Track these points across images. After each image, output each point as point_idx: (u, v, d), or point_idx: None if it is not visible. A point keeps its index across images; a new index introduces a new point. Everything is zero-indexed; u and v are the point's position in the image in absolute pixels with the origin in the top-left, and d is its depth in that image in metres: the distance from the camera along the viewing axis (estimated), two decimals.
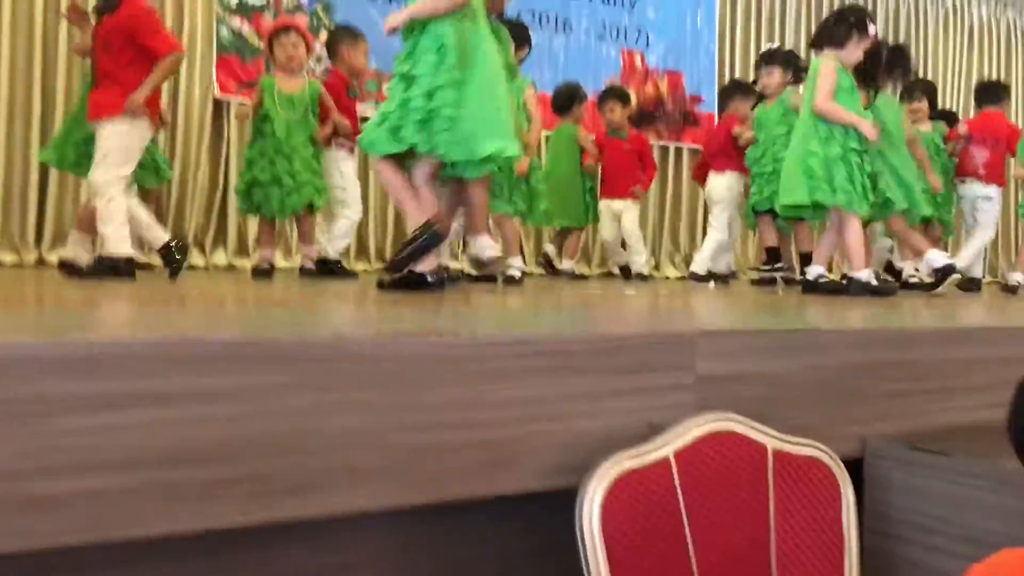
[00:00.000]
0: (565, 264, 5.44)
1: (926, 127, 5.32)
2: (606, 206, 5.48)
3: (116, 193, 3.24)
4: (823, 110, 3.43)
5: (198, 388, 1.03)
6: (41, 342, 0.99)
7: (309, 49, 4.21)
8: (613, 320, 1.73)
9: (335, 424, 1.12)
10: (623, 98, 5.53)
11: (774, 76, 4.91)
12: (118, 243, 3.24)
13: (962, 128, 5.40)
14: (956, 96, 8.32)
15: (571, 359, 1.30)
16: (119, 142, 3.26)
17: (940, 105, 6.67)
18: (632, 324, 1.59)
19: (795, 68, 4.91)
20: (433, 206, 2.61)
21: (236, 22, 5.54)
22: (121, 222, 3.25)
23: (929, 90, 5.59)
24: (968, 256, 5.05)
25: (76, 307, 1.85)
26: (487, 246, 2.88)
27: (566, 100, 5.31)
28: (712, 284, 4.98)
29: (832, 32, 3.60)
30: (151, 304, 2.03)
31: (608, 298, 2.91)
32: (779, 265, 4.98)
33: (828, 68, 3.50)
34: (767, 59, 5.06)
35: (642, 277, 5.55)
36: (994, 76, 8.75)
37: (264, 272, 4.07)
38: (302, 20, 5.30)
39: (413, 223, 2.57)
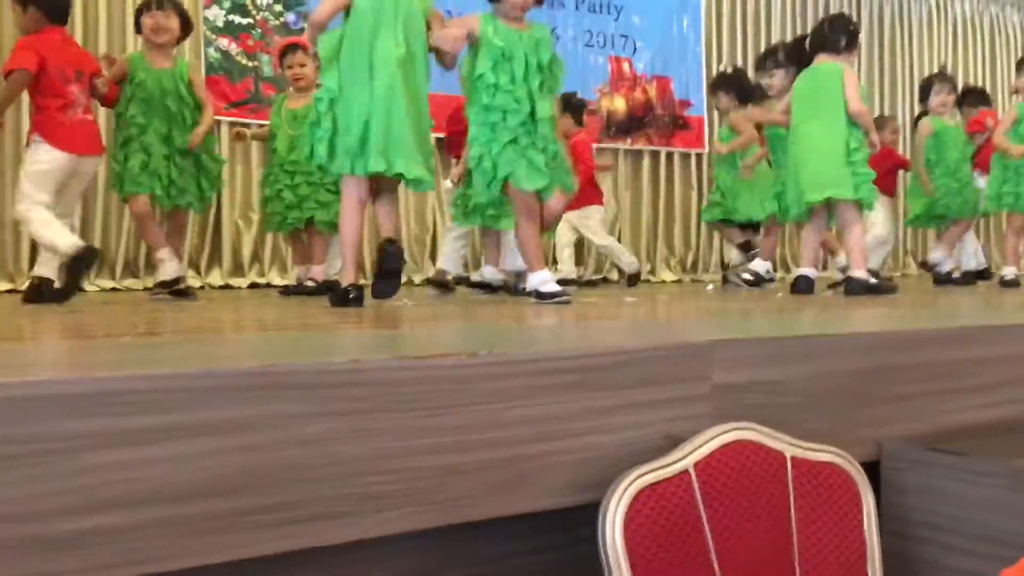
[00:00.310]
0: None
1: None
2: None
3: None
4: (860, 112, 3.61)
5: (219, 420, 1.03)
6: (60, 378, 0.98)
7: None
8: (625, 332, 1.72)
9: (354, 450, 1.11)
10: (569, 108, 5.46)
11: (720, 99, 5.04)
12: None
13: (989, 121, 5.39)
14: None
15: (586, 374, 1.29)
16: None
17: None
18: (645, 336, 1.59)
19: (739, 91, 4.97)
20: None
21: (224, 42, 5.54)
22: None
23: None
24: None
25: (85, 338, 1.84)
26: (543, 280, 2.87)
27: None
28: (710, 287, 5.00)
29: (834, 40, 3.72)
30: (162, 332, 2.02)
31: (612, 307, 2.91)
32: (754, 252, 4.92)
33: (853, 74, 3.72)
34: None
35: (635, 279, 5.58)
36: (980, 71, 8.82)
37: (298, 290, 4.14)
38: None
39: None
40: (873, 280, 3.60)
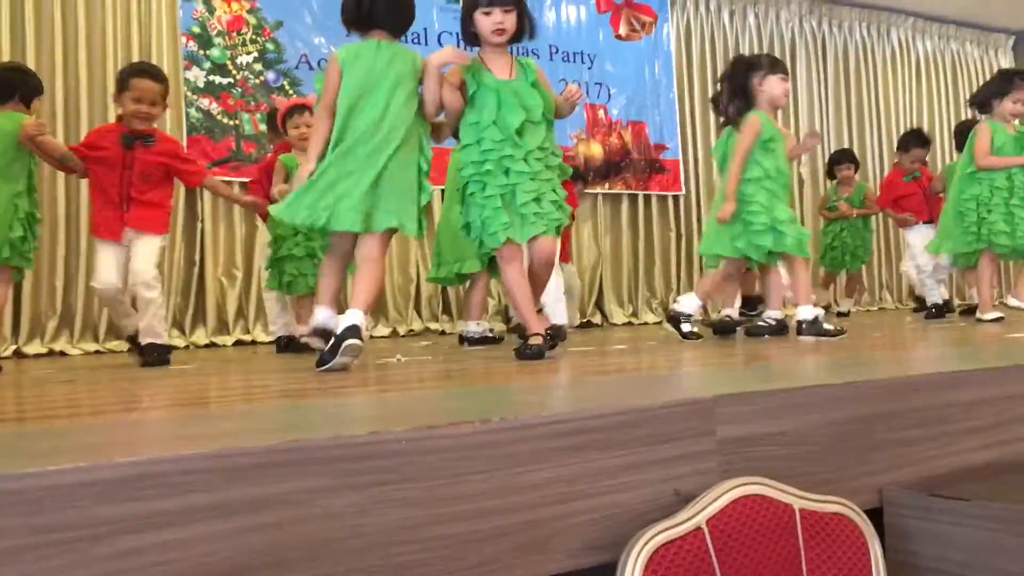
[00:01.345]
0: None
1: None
2: None
3: None
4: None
5: (243, 498, 1.04)
6: (85, 464, 0.99)
7: None
8: (628, 389, 1.75)
9: (376, 522, 1.13)
10: None
11: None
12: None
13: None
14: (910, 128, 8.56)
15: (596, 435, 1.32)
16: None
17: (893, 139, 7.00)
18: (648, 392, 1.62)
19: None
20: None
21: (204, 102, 5.59)
22: None
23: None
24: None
25: (94, 414, 1.84)
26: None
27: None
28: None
29: None
30: (172, 404, 2.03)
31: (606, 359, 2.94)
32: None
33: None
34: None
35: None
36: (943, 106, 9.06)
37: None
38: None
39: None
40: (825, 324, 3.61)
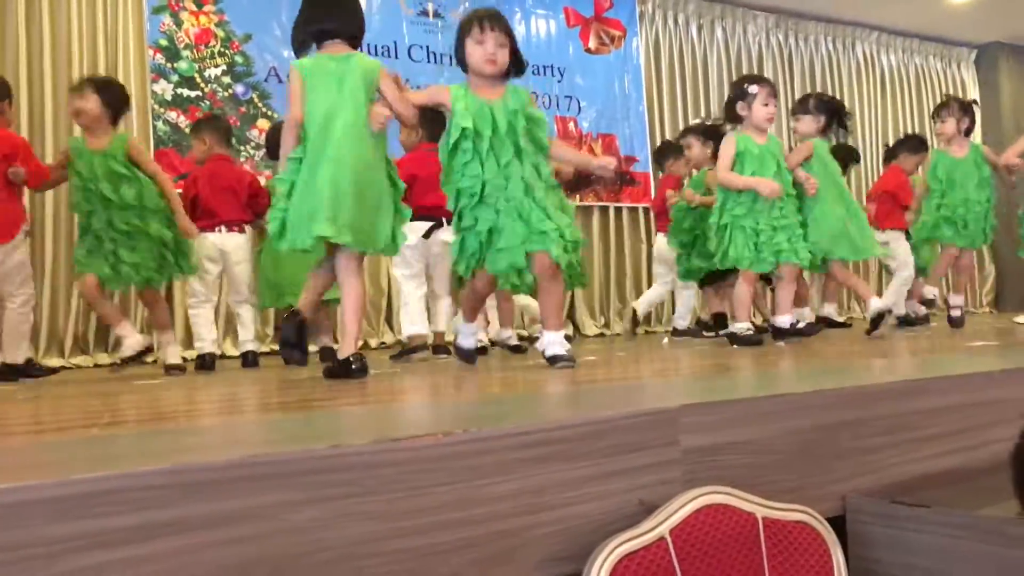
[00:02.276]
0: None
1: None
2: None
3: None
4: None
5: (202, 514, 1.03)
6: (36, 482, 0.98)
7: None
8: (594, 400, 1.76)
9: (340, 535, 1.12)
10: None
11: (693, 148, 5.12)
12: None
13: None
14: (875, 140, 8.70)
15: (560, 446, 1.32)
16: None
17: (858, 150, 7.09)
18: (614, 403, 1.62)
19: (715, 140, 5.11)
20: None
21: (172, 115, 5.55)
22: None
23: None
24: (892, 295, 5.30)
25: (55, 431, 1.81)
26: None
27: None
28: (665, 340, 5.07)
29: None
30: (136, 419, 2.00)
31: (576, 371, 2.95)
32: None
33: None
34: (684, 132, 5.39)
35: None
36: (908, 118, 9.21)
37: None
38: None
39: None
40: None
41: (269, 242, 3.58)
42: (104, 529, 0.98)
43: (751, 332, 3.75)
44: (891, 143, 6.37)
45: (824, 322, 5.65)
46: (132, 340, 3.71)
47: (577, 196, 7.13)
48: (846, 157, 6.14)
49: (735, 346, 3.69)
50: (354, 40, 2.87)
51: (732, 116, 3.94)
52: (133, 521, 0.99)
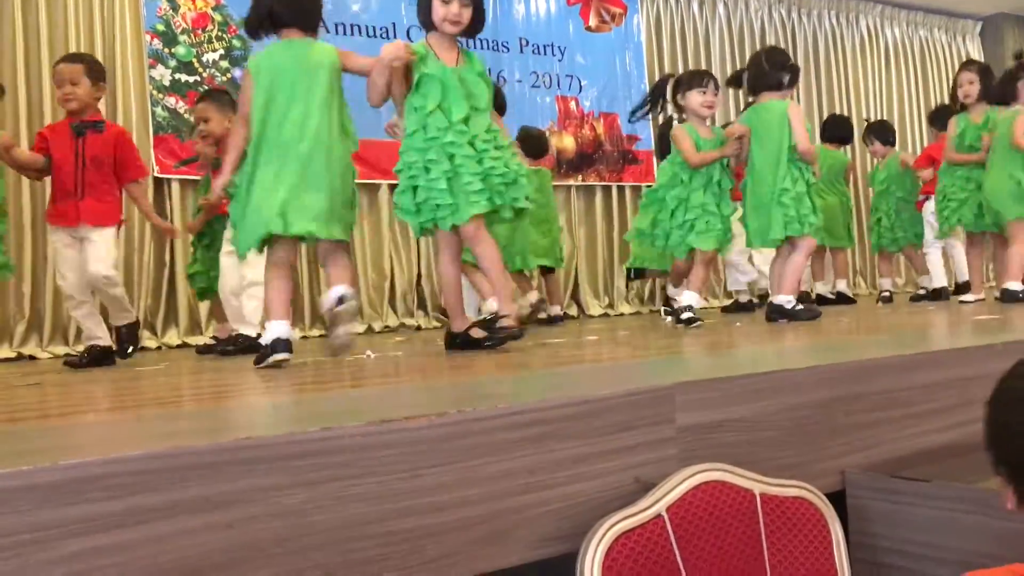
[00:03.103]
0: (554, 309, 5.54)
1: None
2: None
3: None
4: (808, 150, 3.74)
5: (194, 498, 1.03)
6: (29, 468, 0.98)
7: None
8: (589, 379, 1.75)
9: (333, 518, 1.12)
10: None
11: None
12: None
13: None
14: (880, 114, 8.62)
15: (555, 425, 1.32)
16: None
17: (858, 125, 7.06)
18: (609, 382, 1.61)
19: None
20: None
21: (171, 101, 5.53)
22: None
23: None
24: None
25: (47, 417, 1.82)
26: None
27: (540, 145, 5.49)
28: (668, 319, 5.06)
29: (777, 78, 3.82)
30: (133, 405, 2.00)
31: (575, 349, 2.94)
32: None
33: (799, 111, 3.86)
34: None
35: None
36: (912, 92, 9.13)
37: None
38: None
39: None
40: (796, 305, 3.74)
41: None
42: (96, 514, 0.98)
43: None
44: (899, 117, 6.35)
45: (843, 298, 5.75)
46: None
47: (579, 176, 7.11)
48: (839, 131, 6.13)
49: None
50: (311, 26, 2.85)
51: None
52: (124, 506, 0.99)
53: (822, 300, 5.63)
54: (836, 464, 1.56)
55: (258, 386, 2.12)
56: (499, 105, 3.95)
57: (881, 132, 6.21)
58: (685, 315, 3.70)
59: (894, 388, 1.65)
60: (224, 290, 4.39)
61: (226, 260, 4.46)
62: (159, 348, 5.41)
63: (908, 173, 5.83)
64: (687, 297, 3.79)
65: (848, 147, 6.72)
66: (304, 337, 5.74)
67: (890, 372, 1.67)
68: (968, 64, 4.86)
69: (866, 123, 6.60)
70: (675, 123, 4.31)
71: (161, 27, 5.56)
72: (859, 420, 1.60)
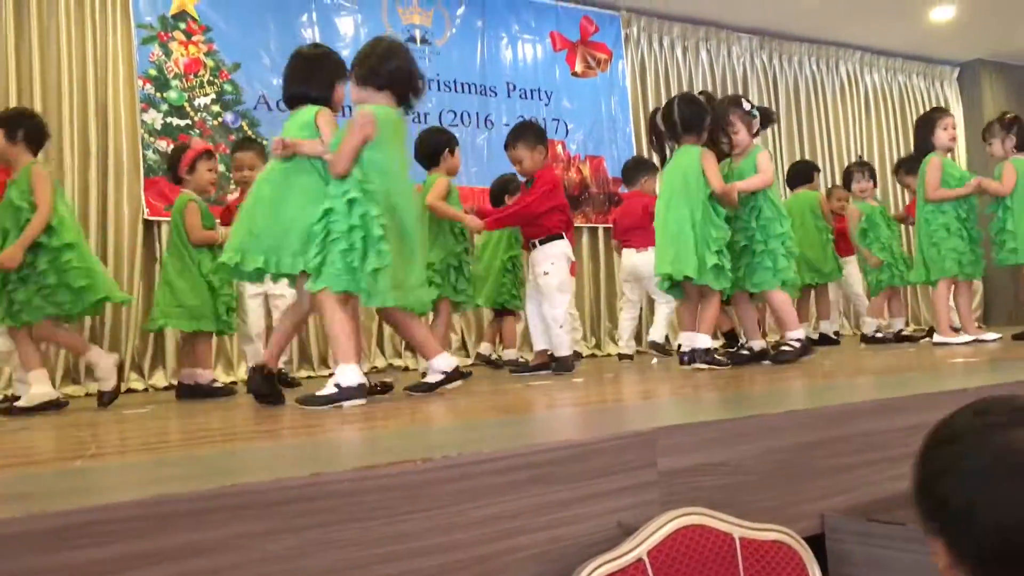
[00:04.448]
0: (508, 353, 5.44)
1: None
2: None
3: None
4: (725, 191, 3.72)
5: (179, 545, 1.04)
6: (12, 517, 0.99)
7: None
8: (572, 424, 1.78)
9: (318, 563, 1.13)
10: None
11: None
12: None
13: None
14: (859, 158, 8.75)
15: (538, 470, 1.34)
16: None
17: (839, 169, 7.16)
18: (592, 426, 1.64)
19: None
20: None
21: (162, 144, 5.57)
22: None
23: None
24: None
25: (33, 463, 1.82)
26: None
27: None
28: (654, 361, 5.09)
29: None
30: (121, 450, 2.01)
31: (558, 392, 2.96)
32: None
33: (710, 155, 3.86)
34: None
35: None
36: (892, 137, 9.29)
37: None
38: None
39: None
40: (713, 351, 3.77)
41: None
42: (81, 561, 0.99)
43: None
44: (879, 161, 6.46)
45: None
46: (25, 388, 3.68)
47: None
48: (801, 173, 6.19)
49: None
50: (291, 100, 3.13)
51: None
52: (110, 553, 1.01)
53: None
54: (815, 507, 1.58)
55: (244, 431, 2.13)
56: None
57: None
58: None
59: (872, 431, 1.68)
60: (251, 331, 4.42)
61: (252, 303, 4.50)
62: (146, 390, 5.39)
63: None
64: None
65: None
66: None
67: (868, 416, 1.70)
68: None
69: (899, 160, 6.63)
70: None
71: (153, 72, 5.63)
72: (838, 463, 1.63)
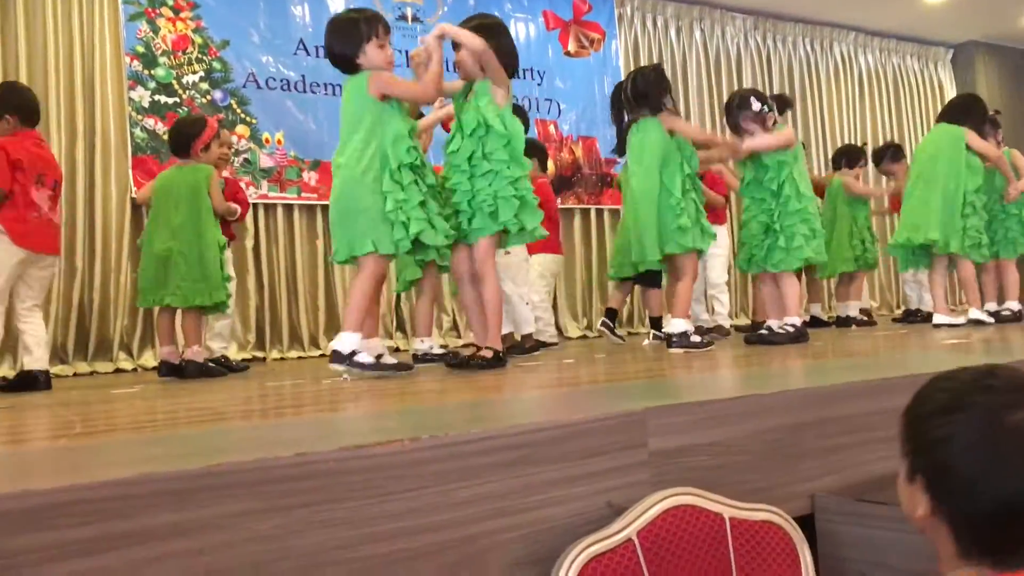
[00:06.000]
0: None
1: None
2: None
3: None
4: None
5: (165, 524, 1.03)
6: (1, 493, 0.98)
7: None
8: (563, 404, 1.77)
9: (305, 543, 1.13)
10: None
11: None
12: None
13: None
14: (853, 140, 8.74)
15: (527, 450, 1.33)
16: None
17: (831, 151, 7.13)
18: (582, 407, 1.63)
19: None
20: None
21: (150, 122, 5.52)
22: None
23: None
24: None
25: (18, 442, 1.81)
26: None
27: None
28: (646, 342, 5.09)
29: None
30: (104, 430, 2.00)
31: (549, 373, 2.96)
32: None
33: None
34: None
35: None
36: (886, 118, 9.27)
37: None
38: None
39: None
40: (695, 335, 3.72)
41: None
42: (66, 540, 0.98)
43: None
44: (872, 142, 6.46)
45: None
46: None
47: (558, 199, 7.15)
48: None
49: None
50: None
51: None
52: (95, 532, 0.99)
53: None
54: (805, 488, 1.58)
55: (233, 410, 2.11)
56: None
57: None
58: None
59: (863, 412, 1.68)
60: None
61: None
62: (135, 370, 5.38)
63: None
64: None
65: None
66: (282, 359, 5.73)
67: (859, 396, 1.69)
68: None
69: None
70: None
71: (141, 49, 5.56)
72: (828, 444, 1.62)
